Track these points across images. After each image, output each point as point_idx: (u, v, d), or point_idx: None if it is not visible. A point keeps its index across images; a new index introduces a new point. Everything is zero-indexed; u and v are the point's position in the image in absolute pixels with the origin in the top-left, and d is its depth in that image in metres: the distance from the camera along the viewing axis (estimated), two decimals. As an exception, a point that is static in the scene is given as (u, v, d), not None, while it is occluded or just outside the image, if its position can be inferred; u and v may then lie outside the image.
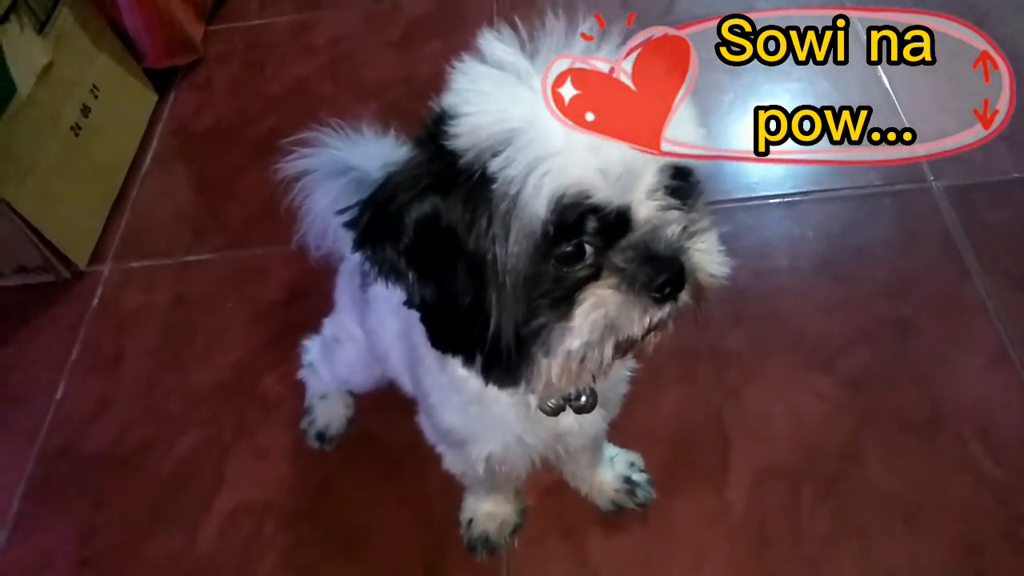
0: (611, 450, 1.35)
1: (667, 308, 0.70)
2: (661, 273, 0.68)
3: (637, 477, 1.33)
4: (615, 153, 0.65)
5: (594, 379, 0.77)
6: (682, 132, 0.68)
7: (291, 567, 1.36)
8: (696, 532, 1.31)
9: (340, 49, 2.29)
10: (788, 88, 1.98)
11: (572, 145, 0.64)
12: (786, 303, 1.57)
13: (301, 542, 1.38)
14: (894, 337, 1.51)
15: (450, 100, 0.70)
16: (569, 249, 0.67)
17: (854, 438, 1.39)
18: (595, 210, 0.65)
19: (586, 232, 0.67)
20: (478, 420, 0.94)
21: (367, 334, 1.20)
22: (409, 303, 0.75)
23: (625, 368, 1.00)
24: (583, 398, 0.92)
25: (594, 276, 0.69)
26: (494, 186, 0.65)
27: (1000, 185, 1.71)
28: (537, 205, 0.64)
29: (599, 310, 0.69)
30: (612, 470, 1.33)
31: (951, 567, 1.24)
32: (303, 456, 1.48)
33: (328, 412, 1.48)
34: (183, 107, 2.22)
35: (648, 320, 0.70)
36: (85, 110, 1.90)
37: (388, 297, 1.06)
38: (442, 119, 0.69)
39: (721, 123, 1.92)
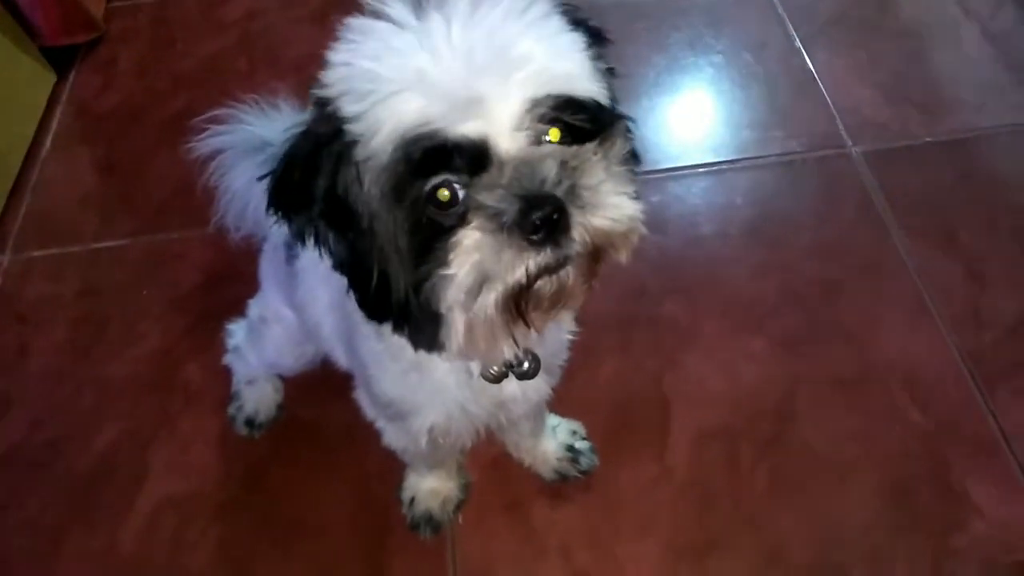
0: (553, 419, 1.33)
1: (548, 252, 0.63)
2: (532, 212, 0.61)
3: (579, 445, 1.32)
4: (453, 78, 0.60)
5: (515, 341, 0.71)
6: (541, 59, 0.63)
7: (224, 561, 1.29)
8: (640, 497, 1.31)
9: (254, 25, 2.20)
10: (711, 60, 2.01)
11: (413, 77, 0.61)
12: (718, 269, 1.59)
13: (234, 534, 1.31)
14: (821, 297, 1.54)
15: (331, 57, 0.67)
16: (435, 190, 0.63)
17: (788, 396, 1.41)
18: (446, 145, 0.61)
19: (448, 170, 0.62)
20: (419, 388, 0.90)
21: (297, 310, 1.14)
22: (335, 267, 0.72)
23: (565, 333, 0.98)
24: (526, 364, 0.89)
25: (462, 221, 0.63)
26: (348, 132, 0.64)
27: (913, 149, 1.77)
28: (380, 141, 0.61)
29: (471, 254, 0.63)
30: (554, 439, 1.31)
31: (885, 514, 1.28)
32: (231, 444, 1.41)
33: (256, 397, 1.41)
34: (85, 87, 2.08)
35: (528, 265, 0.63)
36: (-26, 89, 1.76)
37: (316, 267, 1.02)
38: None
39: (647, 97, 1.93)
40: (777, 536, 1.26)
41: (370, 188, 0.63)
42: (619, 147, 0.68)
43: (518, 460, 1.34)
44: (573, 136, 0.66)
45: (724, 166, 1.78)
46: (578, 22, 0.69)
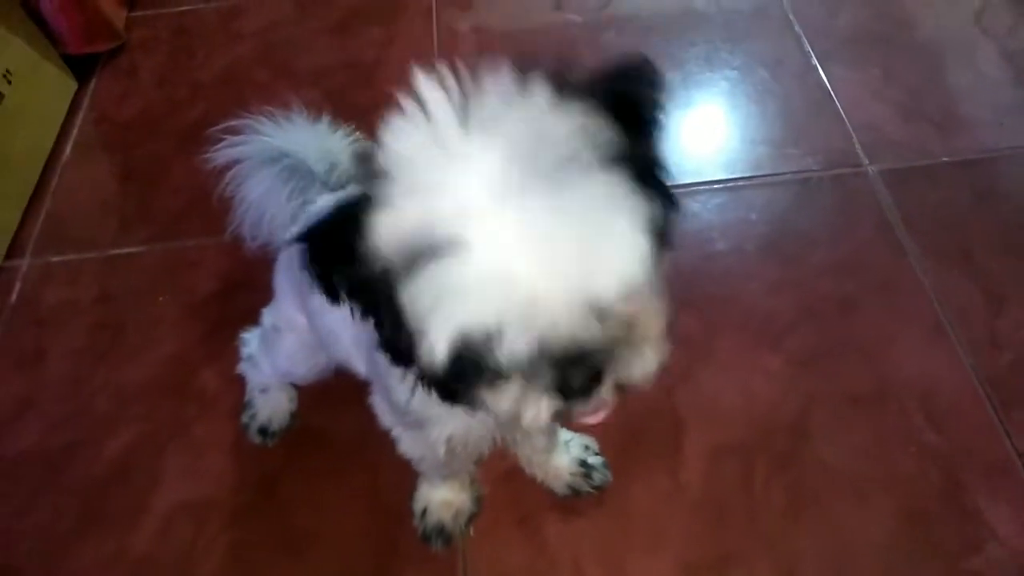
0: (566, 434, 1.33)
1: (576, 401, 0.64)
2: (572, 380, 0.61)
3: (592, 460, 1.32)
4: (533, 296, 0.56)
5: None
6: (611, 263, 0.57)
7: (235, 568, 1.29)
8: (653, 513, 1.31)
9: (273, 36, 2.22)
10: (726, 76, 2.01)
11: (485, 284, 0.55)
12: (733, 285, 1.59)
13: (245, 541, 1.31)
14: (837, 315, 1.54)
15: (387, 159, 0.61)
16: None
17: (803, 414, 1.40)
18: (498, 352, 0.58)
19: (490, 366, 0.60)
20: (438, 401, 0.90)
21: (311, 317, 1.15)
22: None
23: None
24: None
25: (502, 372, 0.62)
26: (403, 303, 0.60)
27: (931, 168, 1.76)
28: (438, 344, 0.58)
29: (505, 402, 0.64)
30: (567, 454, 1.31)
31: (898, 535, 1.27)
32: (244, 452, 1.41)
33: (270, 406, 1.41)
34: (106, 95, 2.10)
35: (555, 410, 0.64)
36: (-2, 96, 1.79)
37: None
38: (373, 174, 0.61)
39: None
40: (791, 554, 1.26)
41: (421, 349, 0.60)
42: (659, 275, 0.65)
43: (530, 475, 1.33)
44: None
45: (740, 182, 1.78)
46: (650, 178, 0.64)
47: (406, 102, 0.61)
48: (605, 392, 0.64)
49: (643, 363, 0.65)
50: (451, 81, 0.61)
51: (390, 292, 0.60)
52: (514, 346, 0.58)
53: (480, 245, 0.55)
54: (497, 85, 0.60)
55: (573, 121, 0.59)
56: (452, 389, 0.68)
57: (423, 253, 0.56)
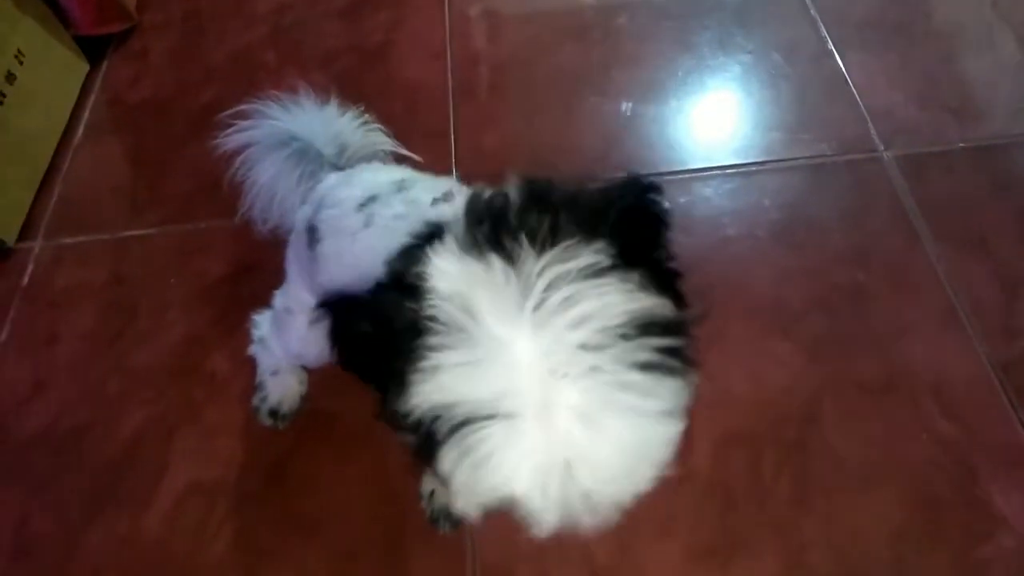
0: (575, 419, 1.33)
1: None
2: None
3: (601, 445, 1.32)
4: (566, 495, 0.60)
5: None
6: (645, 469, 0.64)
7: (245, 549, 1.30)
8: (661, 499, 1.30)
9: (284, 19, 2.21)
10: (740, 60, 1.99)
11: (534, 460, 0.58)
12: (744, 271, 1.58)
13: (255, 523, 1.32)
14: (849, 303, 1.53)
15: (438, 289, 0.61)
16: None
17: (814, 402, 1.40)
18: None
19: None
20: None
21: (317, 295, 1.15)
22: None
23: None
24: None
25: None
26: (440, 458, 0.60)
27: (947, 154, 1.74)
28: (466, 506, 0.61)
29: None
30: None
31: (908, 523, 1.26)
32: (255, 434, 1.42)
33: (281, 388, 1.42)
34: (117, 77, 2.10)
35: None
36: (10, 77, 1.78)
37: (338, 254, 1.03)
38: (412, 325, 0.61)
39: (675, 97, 1.92)
40: (799, 542, 1.25)
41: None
42: None
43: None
44: None
45: (752, 168, 1.76)
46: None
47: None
48: None
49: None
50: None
51: (429, 442, 0.60)
52: (543, 522, 0.61)
53: (531, 426, 0.57)
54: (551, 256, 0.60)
55: (624, 297, 0.61)
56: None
57: (471, 419, 0.57)
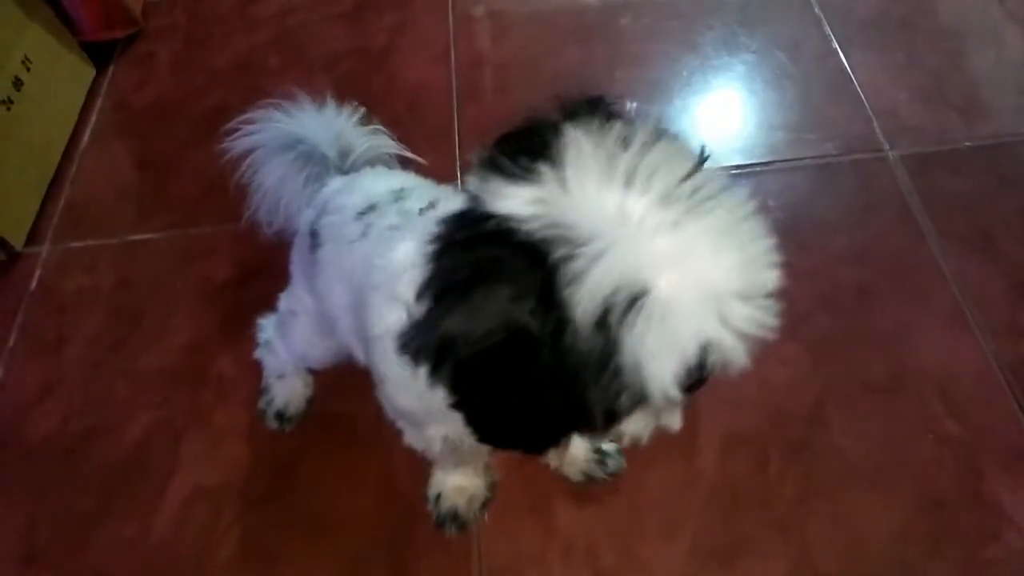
0: (580, 421, 1.33)
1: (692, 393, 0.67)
2: (703, 382, 0.65)
3: (607, 447, 1.32)
4: (737, 316, 0.60)
5: None
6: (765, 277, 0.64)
7: (252, 553, 1.30)
8: (667, 500, 1.31)
9: (288, 22, 2.22)
10: (744, 60, 1.99)
11: (699, 308, 0.58)
12: None
13: (262, 527, 1.33)
14: (855, 302, 1.52)
15: (534, 217, 0.58)
16: None
17: (819, 402, 1.39)
18: (707, 370, 0.62)
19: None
20: (438, 405, 0.90)
21: (317, 300, 1.16)
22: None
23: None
24: None
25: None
26: (616, 356, 0.58)
27: (953, 153, 1.74)
28: (664, 381, 0.58)
29: (646, 419, 0.69)
30: (582, 441, 1.31)
31: (914, 524, 1.26)
32: (261, 438, 1.42)
33: (287, 391, 1.42)
34: (123, 82, 2.11)
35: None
36: (17, 83, 1.80)
37: (337, 261, 1.03)
38: (535, 249, 0.58)
39: (679, 97, 1.92)
40: (805, 543, 1.25)
41: (623, 402, 0.60)
42: None
43: (545, 461, 1.33)
44: None
45: (757, 168, 1.76)
46: None
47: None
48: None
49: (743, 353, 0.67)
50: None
51: (605, 348, 0.58)
52: (723, 355, 0.61)
53: (681, 276, 0.58)
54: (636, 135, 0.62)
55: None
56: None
57: (639, 292, 0.57)
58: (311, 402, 1.45)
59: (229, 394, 1.48)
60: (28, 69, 1.84)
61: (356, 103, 1.32)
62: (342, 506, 1.34)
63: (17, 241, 1.73)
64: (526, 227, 0.58)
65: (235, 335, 1.52)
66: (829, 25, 2.02)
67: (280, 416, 1.41)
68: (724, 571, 1.24)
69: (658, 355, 0.58)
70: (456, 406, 0.67)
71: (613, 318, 0.57)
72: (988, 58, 1.93)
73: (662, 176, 0.59)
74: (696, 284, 0.58)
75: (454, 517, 1.27)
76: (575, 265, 0.56)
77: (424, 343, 0.62)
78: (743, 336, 0.61)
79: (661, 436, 1.35)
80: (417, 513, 1.31)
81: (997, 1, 2.05)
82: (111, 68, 2.14)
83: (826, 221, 1.66)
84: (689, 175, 0.61)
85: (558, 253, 0.57)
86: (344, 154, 1.27)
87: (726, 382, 1.42)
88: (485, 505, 1.30)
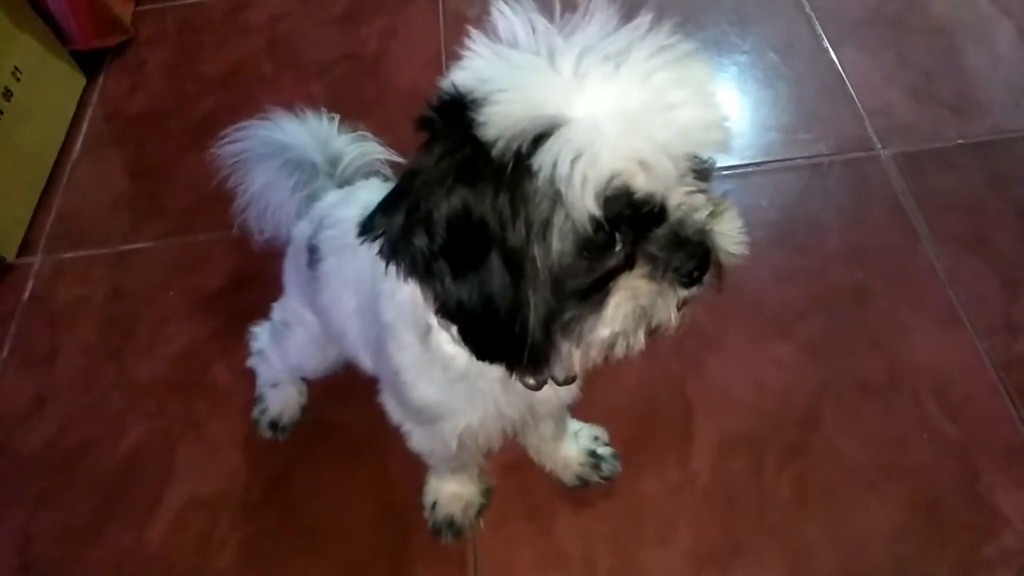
0: (575, 424, 1.33)
1: (694, 290, 0.70)
2: (692, 258, 0.67)
3: (602, 451, 1.32)
4: (656, 143, 0.61)
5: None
6: (709, 114, 0.65)
7: (249, 562, 1.30)
8: (663, 504, 1.30)
9: (279, 28, 2.21)
10: (736, 60, 1.99)
11: (612, 136, 0.60)
12: (744, 273, 1.53)
13: (258, 535, 1.33)
14: (849, 303, 1.52)
15: (465, 81, 0.65)
16: (601, 239, 0.64)
17: (814, 403, 1.39)
18: (636, 202, 0.63)
19: (622, 222, 0.64)
20: (460, 394, 0.90)
21: (319, 313, 1.15)
22: (443, 310, 0.70)
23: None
24: None
25: (626, 265, 0.67)
26: (535, 181, 0.61)
27: (945, 151, 1.74)
28: (585, 201, 0.60)
29: (633, 301, 0.68)
30: (576, 444, 1.31)
31: (911, 524, 1.26)
32: (256, 446, 1.42)
33: (281, 400, 1.42)
34: (114, 90, 2.11)
35: (678, 303, 0.70)
36: (7, 93, 1.79)
37: (341, 271, 1.03)
38: (458, 103, 0.64)
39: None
40: (802, 545, 1.25)
41: (558, 239, 0.63)
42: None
43: (539, 465, 1.33)
44: (696, 176, 0.68)
45: (750, 168, 1.76)
46: None
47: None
48: (710, 275, 0.70)
49: (735, 239, 0.71)
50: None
51: (515, 175, 0.62)
52: (649, 185, 0.62)
53: (599, 104, 0.61)
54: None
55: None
56: (579, 287, 0.66)
57: (547, 123, 0.61)
58: (305, 410, 1.45)
59: (223, 403, 1.48)
60: (18, 80, 1.83)
61: (348, 108, 1.32)
62: (338, 514, 1.33)
63: (9, 252, 1.73)
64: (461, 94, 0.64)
65: (229, 344, 1.52)
66: (820, 24, 2.02)
67: (274, 425, 1.41)
68: (721, 575, 1.23)
69: (575, 179, 0.60)
70: (442, 310, 0.70)
71: (525, 147, 0.61)
72: (980, 56, 1.93)
73: (583, 33, 0.65)
74: (608, 114, 0.61)
75: (450, 524, 1.27)
76: (487, 108, 0.62)
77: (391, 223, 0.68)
78: (661, 161, 0.62)
79: (656, 439, 1.36)
80: (413, 520, 1.30)
81: (988, -2, 2.05)
82: (102, 77, 2.14)
83: (820, 221, 1.66)
84: (613, 33, 0.65)
85: (474, 100, 0.63)
86: (333, 162, 1.27)
87: (719, 384, 1.42)
88: (481, 512, 1.30)
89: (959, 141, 1.75)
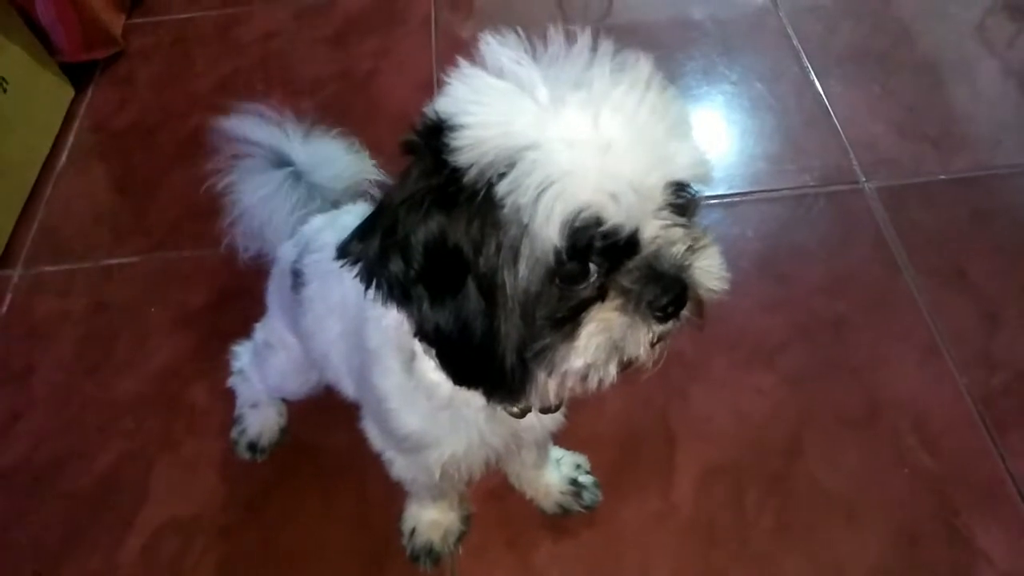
0: (557, 452, 1.32)
1: (669, 325, 0.69)
2: (667, 293, 0.67)
3: (583, 479, 1.31)
4: (626, 175, 0.62)
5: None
6: (684, 148, 0.66)
7: (222, 586, 1.28)
8: (643, 534, 1.30)
9: (271, 45, 2.22)
10: (723, 90, 2.01)
11: (582, 167, 0.61)
12: (727, 302, 1.53)
13: (233, 559, 1.31)
14: (831, 334, 1.53)
15: (447, 108, 0.65)
16: (574, 269, 0.64)
17: (795, 435, 1.40)
18: (605, 233, 0.63)
19: (593, 252, 0.64)
20: (444, 423, 0.90)
21: (302, 338, 1.14)
22: (421, 333, 0.71)
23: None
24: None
25: (598, 296, 0.66)
26: (502, 210, 0.62)
27: (928, 186, 1.76)
28: (549, 231, 0.61)
29: (604, 333, 0.67)
30: (558, 472, 1.30)
31: (889, 557, 1.26)
32: (234, 468, 1.40)
33: (260, 421, 1.40)
34: (103, 103, 2.10)
35: (652, 339, 0.69)
36: (-7, 104, 1.78)
37: (325, 296, 1.02)
38: (438, 128, 0.64)
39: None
40: (781, 577, 1.25)
41: (525, 267, 0.63)
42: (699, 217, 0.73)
43: (520, 492, 1.32)
44: (674, 211, 0.68)
45: (735, 198, 1.77)
46: None
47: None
48: (687, 310, 0.70)
49: (714, 276, 0.71)
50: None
51: (486, 202, 0.62)
52: (619, 220, 0.62)
53: (571, 134, 0.61)
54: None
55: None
56: (552, 316, 0.66)
57: (518, 151, 0.61)
58: (284, 432, 1.43)
59: (201, 423, 1.46)
60: (4, 90, 1.82)
61: (339, 128, 1.32)
62: (315, 539, 1.32)
63: (-12, 264, 1.71)
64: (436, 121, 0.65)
65: (209, 363, 1.50)
66: (807, 57, 2.05)
67: (253, 447, 1.40)
68: (700, 607, 1.23)
69: (540, 209, 0.61)
70: (420, 333, 0.71)
71: (495, 175, 0.62)
72: (963, 92, 1.96)
73: (564, 65, 0.65)
74: (581, 144, 0.61)
75: (429, 551, 1.26)
76: (462, 134, 0.62)
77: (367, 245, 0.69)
78: (631, 194, 0.62)
79: (637, 468, 1.35)
80: (391, 546, 1.29)
81: (972, 35, 2.08)
82: (90, 89, 2.13)
83: (803, 252, 1.67)
84: (590, 63, 0.65)
85: (451, 126, 0.63)
86: (334, 181, 1.26)
87: (701, 414, 1.42)
88: (460, 539, 1.29)
89: (941, 176, 1.77)
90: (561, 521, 1.30)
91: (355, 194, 1.30)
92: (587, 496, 1.30)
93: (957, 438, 1.38)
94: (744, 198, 1.77)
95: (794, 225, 1.72)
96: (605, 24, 2.20)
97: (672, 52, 2.09)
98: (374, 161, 1.33)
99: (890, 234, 1.67)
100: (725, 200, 1.77)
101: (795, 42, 2.09)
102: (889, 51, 2.07)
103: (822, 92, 1.96)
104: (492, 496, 1.34)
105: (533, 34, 0.68)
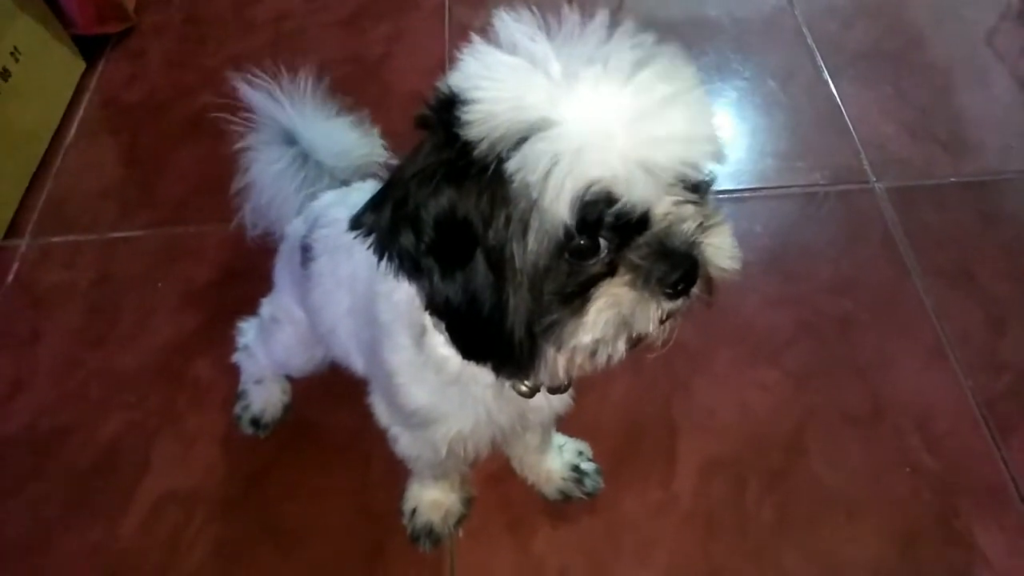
0: (560, 438, 1.32)
1: (679, 302, 0.68)
2: (676, 270, 0.66)
3: (585, 466, 1.31)
4: (638, 151, 0.61)
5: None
6: (698, 127, 0.65)
7: (221, 560, 1.28)
8: (643, 523, 1.30)
9: (284, 26, 2.21)
10: (736, 86, 2.00)
11: (594, 143, 0.60)
12: (734, 296, 1.58)
13: (232, 534, 1.30)
14: (837, 332, 1.53)
15: (459, 83, 0.65)
16: (584, 244, 0.64)
17: (798, 431, 1.40)
18: (615, 209, 0.62)
19: (603, 228, 0.64)
20: (453, 399, 0.90)
21: (310, 312, 1.14)
22: (431, 306, 0.71)
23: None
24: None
25: (608, 272, 0.66)
26: (512, 184, 0.62)
27: (938, 188, 1.76)
28: (559, 206, 0.61)
29: (613, 308, 0.67)
30: (560, 458, 1.30)
31: (888, 556, 1.26)
32: (236, 443, 1.40)
33: (264, 397, 1.40)
34: (114, 77, 2.09)
35: (661, 315, 0.68)
36: (4, 73, 1.77)
37: (334, 271, 1.02)
38: (451, 103, 0.64)
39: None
40: (780, 572, 1.25)
41: (534, 241, 0.63)
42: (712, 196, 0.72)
43: (522, 477, 1.32)
44: (686, 188, 0.68)
45: (745, 194, 1.77)
46: None
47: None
48: (698, 288, 0.69)
49: (725, 254, 0.70)
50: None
51: (496, 176, 0.62)
52: (630, 197, 0.62)
53: (583, 110, 0.61)
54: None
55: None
56: (561, 291, 0.66)
57: (529, 126, 0.61)
58: (288, 409, 1.43)
59: (205, 397, 1.46)
60: (16, 60, 1.82)
61: (351, 110, 1.31)
62: (315, 516, 1.32)
63: (-5, 233, 1.70)
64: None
65: (214, 338, 1.50)
66: (821, 55, 2.04)
67: (256, 422, 1.39)
68: (697, 598, 1.23)
69: (550, 184, 0.60)
70: (430, 306, 0.71)
71: (506, 150, 0.61)
72: (975, 96, 1.96)
73: (578, 42, 0.65)
74: (592, 120, 0.61)
75: (429, 532, 1.26)
76: (473, 108, 0.62)
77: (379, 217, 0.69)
78: (643, 171, 0.61)
79: (639, 457, 1.35)
80: (391, 526, 1.29)
81: (985, 40, 2.08)
82: (102, 63, 2.12)
83: (812, 250, 1.67)
84: (605, 40, 0.65)
85: (463, 100, 0.63)
86: (339, 158, 1.26)
87: (705, 406, 1.42)
88: (460, 521, 1.29)
89: (951, 179, 1.77)
90: (562, 507, 1.30)
91: (364, 174, 1.30)
92: (588, 483, 1.30)
93: (960, 439, 1.38)
94: (754, 194, 1.77)
95: (803, 223, 1.72)
96: (618, 18, 2.19)
97: (686, 47, 2.04)
98: (383, 142, 1.33)
99: (899, 234, 1.67)
100: (734, 195, 1.76)
101: (809, 41, 2.08)
102: (903, 53, 2.07)
103: (835, 91, 1.96)
104: (494, 480, 1.34)
105: (548, 15, 0.68)
